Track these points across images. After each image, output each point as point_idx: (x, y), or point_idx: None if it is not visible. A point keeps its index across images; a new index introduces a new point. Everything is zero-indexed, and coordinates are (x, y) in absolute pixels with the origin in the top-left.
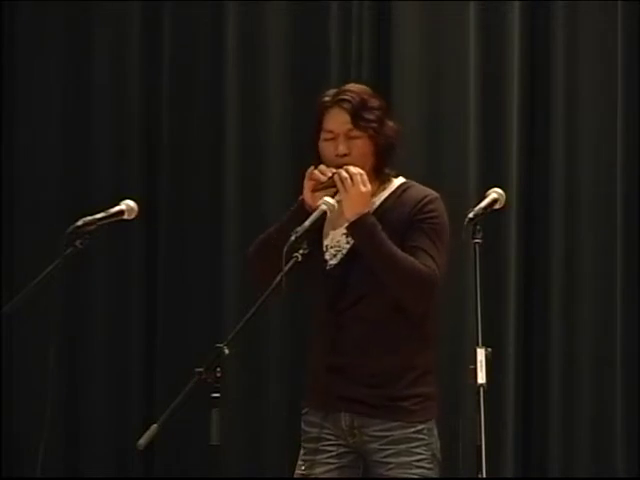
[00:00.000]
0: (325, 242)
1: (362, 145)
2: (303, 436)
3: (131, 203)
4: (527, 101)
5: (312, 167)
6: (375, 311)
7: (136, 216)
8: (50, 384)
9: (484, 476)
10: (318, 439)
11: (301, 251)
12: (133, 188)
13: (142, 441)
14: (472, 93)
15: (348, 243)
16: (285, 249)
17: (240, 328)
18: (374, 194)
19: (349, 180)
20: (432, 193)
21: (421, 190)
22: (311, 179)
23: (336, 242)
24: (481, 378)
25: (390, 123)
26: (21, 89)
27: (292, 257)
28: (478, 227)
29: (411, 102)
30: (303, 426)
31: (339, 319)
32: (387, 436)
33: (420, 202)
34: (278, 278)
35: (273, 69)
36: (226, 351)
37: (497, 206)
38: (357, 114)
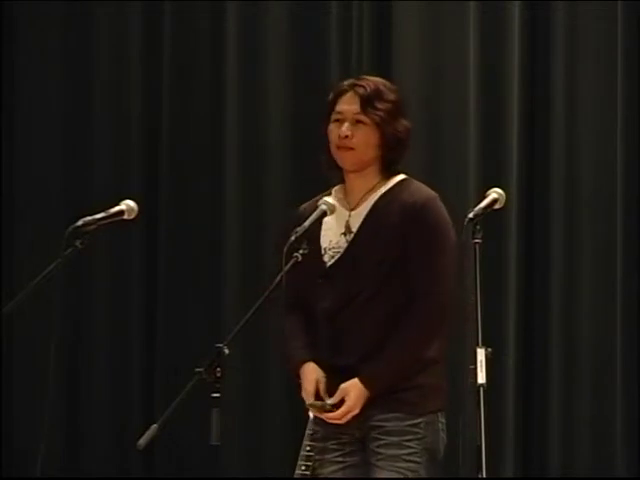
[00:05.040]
0: (323, 245)
1: (367, 132)
2: (312, 435)
3: (131, 203)
4: (527, 101)
5: (313, 370)
6: (374, 310)
7: (136, 216)
8: (50, 384)
9: (484, 476)
10: (326, 438)
11: (301, 251)
12: (133, 188)
13: (142, 441)
14: (472, 93)
15: (347, 242)
16: (285, 249)
17: (240, 328)
18: (374, 189)
19: (345, 417)
20: (426, 195)
21: (416, 191)
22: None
23: (335, 243)
24: (481, 378)
25: (402, 120)
26: (21, 89)
27: (292, 257)
28: (478, 227)
29: (411, 102)
30: (311, 425)
31: (337, 319)
32: (382, 426)
33: (413, 208)
34: (278, 278)
35: (273, 69)
36: (226, 351)
37: (497, 206)
38: (368, 100)
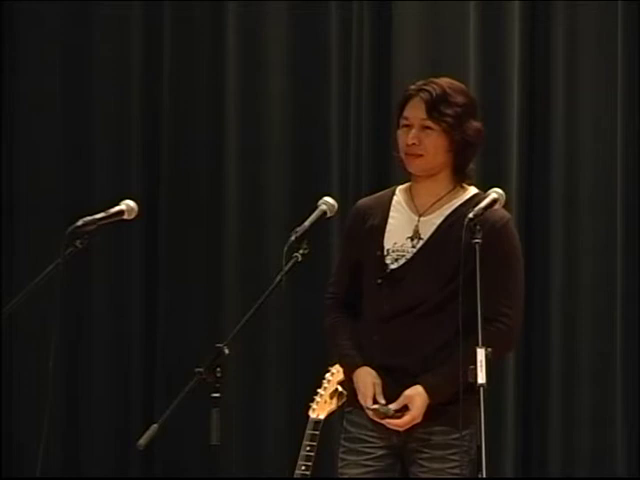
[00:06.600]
0: (387, 246)
1: (435, 138)
2: (344, 434)
3: (131, 203)
4: (527, 101)
5: (372, 389)
6: (436, 319)
7: (136, 216)
8: (50, 384)
9: (484, 476)
10: (359, 440)
11: (301, 251)
12: (133, 188)
13: (142, 441)
14: (472, 93)
15: (414, 247)
16: (285, 249)
17: (240, 328)
18: (447, 197)
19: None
20: (502, 216)
21: (493, 211)
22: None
23: (400, 246)
24: (481, 378)
25: (473, 122)
26: (21, 89)
27: (292, 257)
28: (478, 227)
29: None
30: (345, 424)
31: (396, 322)
32: (427, 439)
33: (493, 229)
34: (278, 278)
35: (273, 69)
36: (226, 351)
37: (497, 206)
38: (434, 106)
